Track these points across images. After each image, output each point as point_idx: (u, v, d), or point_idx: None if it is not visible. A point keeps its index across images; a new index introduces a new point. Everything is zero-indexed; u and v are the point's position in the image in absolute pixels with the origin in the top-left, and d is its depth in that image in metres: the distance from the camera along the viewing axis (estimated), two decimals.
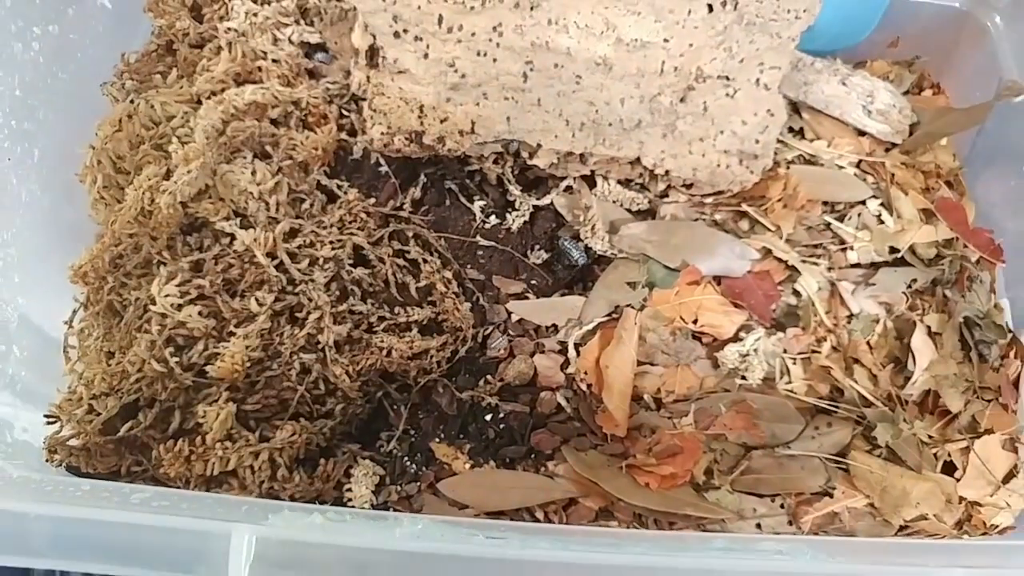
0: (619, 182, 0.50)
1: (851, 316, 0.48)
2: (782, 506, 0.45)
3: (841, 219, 0.50)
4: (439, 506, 0.44)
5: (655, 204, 0.50)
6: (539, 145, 0.47)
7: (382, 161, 0.49)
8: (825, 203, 0.51)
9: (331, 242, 0.45)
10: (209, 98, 0.48)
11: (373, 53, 0.45)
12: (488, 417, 0.46)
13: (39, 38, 0.45)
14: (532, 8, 0.44)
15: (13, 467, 0.39)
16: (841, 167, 0.52)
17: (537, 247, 0.50)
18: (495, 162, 0.49)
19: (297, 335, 0.43)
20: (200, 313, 0.43)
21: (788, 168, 0.51)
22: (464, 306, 0.46)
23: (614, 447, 0.45)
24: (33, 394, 0.44)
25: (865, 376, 0.47)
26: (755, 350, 0.47)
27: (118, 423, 0.43)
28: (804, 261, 0.49)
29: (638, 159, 0.48)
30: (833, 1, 0.51)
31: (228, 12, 0.50)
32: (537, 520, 0.44)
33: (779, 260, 0.49)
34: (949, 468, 0.45)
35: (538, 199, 0.50)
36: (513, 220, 0.49)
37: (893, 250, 0.49)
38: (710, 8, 0.45)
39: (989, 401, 0.47)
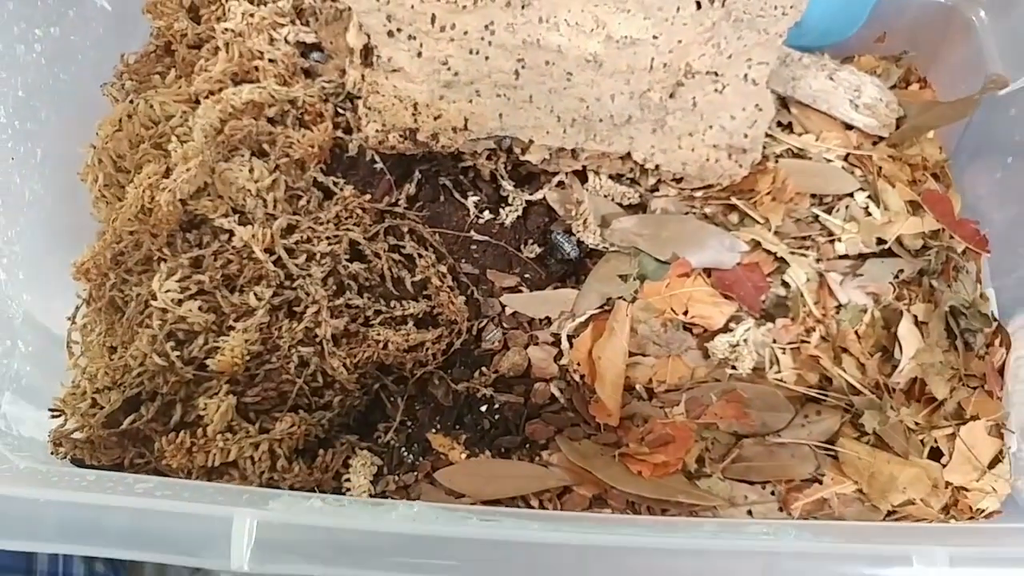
0: (610, 177, 0.51)
1: (839, 306, 0.49)
2: (772, 493, 0.46)
3: (829, 211, 0.51)
4: (436, 495, 0.44)
5: (646, 198, 0.51)
6: (531, 141, 0.48)
7: (377, 158, 0.49)
8: (813, 196, 0.51)
9: (328, 238, 0.46)
10: (207, 97, 0.48)
11: (367, 52, 0.46)
12: (483, 408, 0.47)
13: (41, 40, 0.45)
14: (523, 7, 0.44)
15: (20, 459, 0.39)
16: (829, 160, 0.52)
17: (530, 241, 0.50)
18: (488, 158, 0.50)
19: (295, 329, 0.44)
20: (200, 308, 0.44)
21: (777, 162, 0.52)
22: (459, 299, 0.47)
23: (607, 436, 0.46)
24: (37, 389, 0.45)
25: (853, 365, 0.48)
26: (745, 340, 0.48)
27: (121, 416, 0.43)
28: (793, 253, 0.49)
29: (629, 154, 0.49)
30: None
31: (225, 13, 0.51)
32: (532, 508, 0.45)
33: (768, 252, 0.49)
34: (935, 454, 0.46)
35: (531, 194, 0.51)
36: (506, 215, 0.50)
37: (880, 241, 0.50)
38: (698, 5, 0.45)
39: (974, 388, 0.47)
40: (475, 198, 0.50)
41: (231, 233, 0.45)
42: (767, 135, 0.51)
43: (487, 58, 0.45)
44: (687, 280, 0.48)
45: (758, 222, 0.50)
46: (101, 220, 0.48)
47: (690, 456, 0.45)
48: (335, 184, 0.48)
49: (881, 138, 0.54)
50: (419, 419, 0.47)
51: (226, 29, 0.50)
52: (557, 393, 0.47)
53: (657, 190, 0.51)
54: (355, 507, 0.36)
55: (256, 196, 0.46)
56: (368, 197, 0.48)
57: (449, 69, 0.45)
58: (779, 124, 0.54)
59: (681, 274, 0.48)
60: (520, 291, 0.49)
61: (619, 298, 0.48)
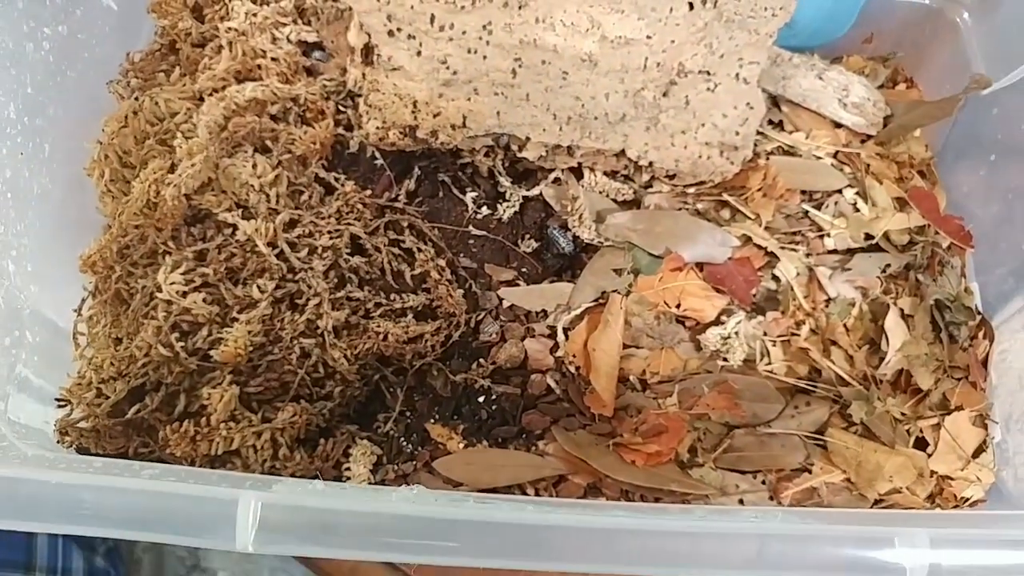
0: (605, 173, 0.52)
1: (828, 300, 0.50)
2: (763, 482, 0.47)
3: (818, 207, 0.52)
4: (434, 484, 0.45)
5: (640, 194, 0.52)
6: (528, 138, 0.49)
7: (378, 154, 0.50)
8: (803, 192, 0.52)
9: (329, 232, 0.47)
10: (211, 95, 0.49)
11: (368, 51, 0.47)
12: (481, 399, 0.48)
13: (49, 38, 0.46)
14: (520, 7, 0.45)
15: (27, 447, 0.40)
16: (818, 158, 0.54)
17: (527, 236, 0.51)
18: (486, 155, 0.51)
19: (297, 321, 0.45)
20: (204, 300, 0.44)
21: (767, 159, 0.53)
22: (457, 293, 0.48)
23: (601, 427, 0.46)
24: (45, 379, 0.45)
25: (842, 357, 0.49)
26: (736, 333, 0.49)
27: (126, 406, 0.44)
28: (783, 248, 0.51)
29: (623, 151, 0.50)
30: (812, 1, 0.53)
31: (228, 12, 0.52)
32: (528, 496, 0.45)
33: (759, 247, 0.50)
34: (921, 444, 0.47)
35: (528, 190, 0.52)
36: (504, 210, 0.51)
37: (868, 237, 0.51)
38: (691, 6, 0.47)
39: (959, 380, 0.49)
40: (473, 194, 0.51)
41: (235, 227, 0.46)
42: (758, 133, 0.52)
43: (485, 57, 0.46)
44: (680, 274, 0.49)
45: (749, 218, 0.51)
46: (107, 214, 0.49)
47: (683, 446, 0.46)
48: (336, 180, 0.49)
49: (869, 136, 0.55)
50: (418, 409, 0.47)
51: (229, 28, 0.51)
52: (553, 384, 0.48)
53: (651, 186, 0.52)
54: (356, 491, 0.37)
55: (259, 191, 0.47)
56: (369, 193, 0.49)
57: (448, 68, 0.46)
58: (770, 122, 0.55)
59: (674, 268, 0.50)
60: (517, 284, 0.50)
61: (613, 291, 0.49)
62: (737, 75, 0.49)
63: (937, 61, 0.57)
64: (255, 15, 0.51)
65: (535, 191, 0.52)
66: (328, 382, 0.46)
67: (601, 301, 0.49)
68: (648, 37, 0.46)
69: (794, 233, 0.52)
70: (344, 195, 0.48)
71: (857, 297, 0.50)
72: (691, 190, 0.52)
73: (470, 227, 0.51)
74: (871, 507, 0.46)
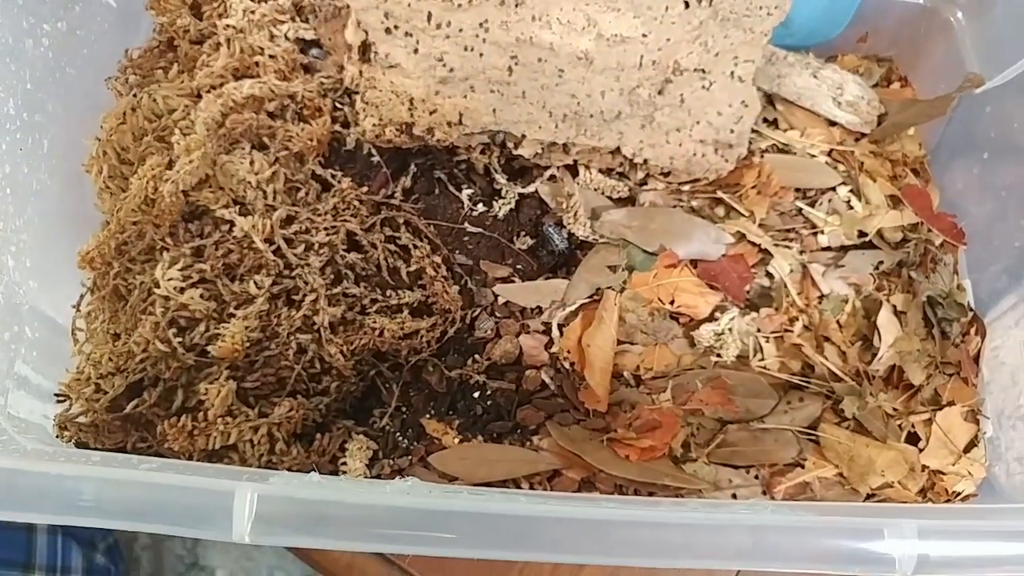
0: (600, 171, 0.52)
1: (822, 296, 0.50)
2: (756, 477, 0.47)
3: (812, 205, 0.53)
4: (429, 478, 0.45)
5: (635, 192, 0.53)
6: (524, 136, 0.49)
7: (374, 151, 0.51)
8: (797, 190, 0.53)
9: (326, 228, 0.47)
10: (209, 92, 0.50)
11: (365, 49, 0.47)
12: (476, 394, 0.48)
13: (48, 35, 0.46)
14: (517, 5, 0.46)
15: (27, 441, 0.41)
16: (813, 155, 0.54)
17: (522, 233, 0.52)
18: (482, 152, 0.51)
19: (294, 316, 0.45)
20: (202, 296, 0.45)
21: (762, 156, 0.53)
22: (453, 289, 0.49)
23: (596, 422, 0.47)
24: (44, 374, 0.46)
25: (835, 353, 0.49)
26: (730, 329, 0.49)
27: (124, 401, 0.45)
28: (777, 245, 0.51)
29: (618, 149, 0.50)
30: (808, 1, 0.54)
31: (227, 10, 0.52)
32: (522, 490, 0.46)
33: (753, 244, 0.51)
34: (913, 439, 0.48)
35: (523, 187, 0.52)
36: (499, 208, 0.52)
37: (862, 234, 0.51)
38: (686, 4, 0.47)
39: (951, 375, 0.49)
40: (469, 191, 0.52)
41: (232, 223, 0.47)
42: (753, 131, 0.53)
43: (481, 55, 0.47)
44: (674, 271, 0.50)
45: (743, 215, 0.52)
46: (105, 210, 0.49)
47: (676, 441, 0.46)
48: (333, 177, 0.49)
49: (863, 134, 0.56)
50: (413, 405, 0.48)
51: (227, 25, 0.51)
52: (548, 380, 0.48)
53: (646, 184, 0.53)
54: (351, 483, 0.37)
55: (256, 188, 0.47)
56: (365, 189, 0.50)
57: (444, 65, 0.47)
58: (765, 120, 0.55)
59: (668, 265, 0.50)
60: (512, 281, 0.51)
61: (608, 288, 0.49)
62: (732, 73, 0.50)
63: (931, 60, 0.57)
64: (253, 12, 0.52)
65: (531, 188, 0.52)
66: (324, 377, 0.46)
67: (596, 297, 0.49)
68: (644, 35, 0.47)
69: (788, 230, 0.52)
70: (341, 192, 0.49)
71: (850, 294, 0.50)
72: (686, 187, 0.53)
73: (466, 224, 0.51)
74: (863, 501, 0.46)
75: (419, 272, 0.49)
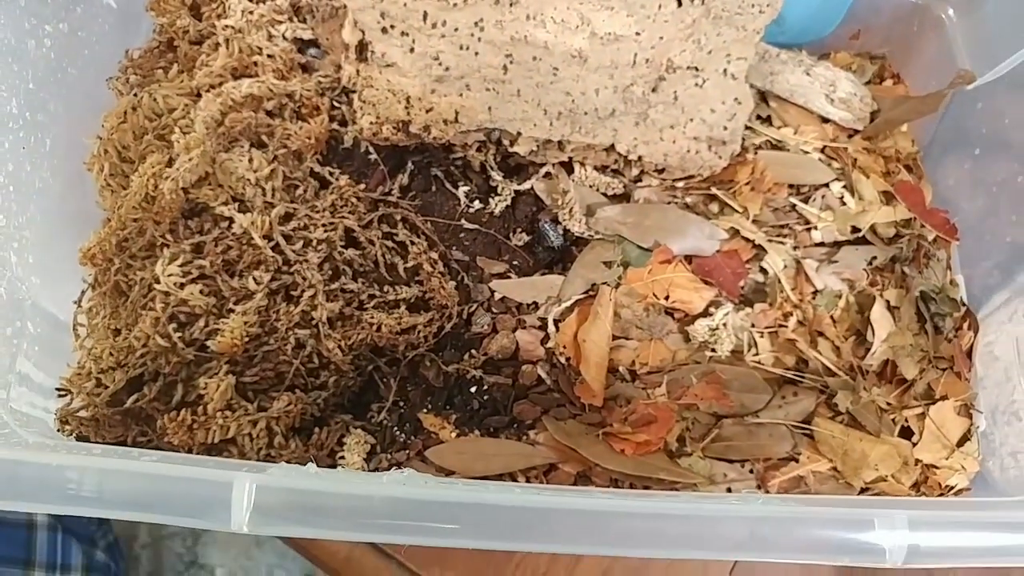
0: (595, 168, 0.53)
1: (815, 292, 0.51)
2: (751, 471, 0.47)
3: (806, 201, 0.53)
4: (427, 472, 0.46)
5: (629, 188, 0.53)
6: (519, 133, 0.50)
7: (371, 149, 0.51)
8: (791, 186, 0.53)
9: (324, 225, 0.48)
10: (208, 91, 0.50)
11: (362, 48, 0.48)
12: (473, 389, 0.48)
13: (50, 35, 0.47)
14: (511, 4, 0.46)
15: (29, 434, 0.41)
16: (806, 152, 0.54)
17: (519, 230, 0.52)
18: (478, 150, 0.52)
19: (292, 312, 0.46)
20: (201, 292, 0.45)
21: (756, 153, 0.54)
22: (450, 285, 0.49)
23: (591, 416, 0.47)
24: (46, 369, 0.46)
25: (828, 348, 0.50)
26: (724, 324, 0.49)
27: (125, 395, 0.45)
28: (771, 240, 0.51)
29: (613, 146, 0.51)
30: None
31: (226, 10, 0.53)
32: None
33: (747, 240, 0.51)
34: (906, 433, 0.48)
35: (519, 184, 0.52)
36: (496, 204, 0.52)
37: (855, 229, 0.52)
38: (679, 3, 0.47)
39: (944, 370, 0.49)
40: (465, 188, 0.52)
41: (231, 220, 0.47)
42: (746, 127, 0.53)
43: (477, 54, 0.47)
44: (669, 267, 0.50)
45: (737, 211, 0.52)
46: (106, 208, 0.50)
47: (671, 435, 0.47)
48: (331, 174, 0.50)
49: (856, 131, 0.56)
50: (411, 399, 0.48)
51: (226, 26, 0.52)
52: (544, 375, 0.49)
53: (640, 180, 0.53)
54: (348, 474, 0.37)
55: (255, 185, 0.48)
56: (363, 186, 0.50)
57: (440, 64, 0.47)
58: (758, 117, 0.56)
59: (663, 261, 0.50)
60: (509, 277, 0.51)
61: (603, 284, 0.50)
62: (725, 71, 0.50)
63: (923, 57, 0.57)
64: (251, 13, 0.52)
65: (526, 185, 0.52)
66: (323, 372, 0.47)
67: (591, 293, 0.50)
68: (637, 33, 0.47)
69: (782, 226, 0.52)
70: (338, 189, 0.49)
71: (844, 289, 0.51)
72: (680, 184, 0.53)
73: (462, 221, 0.51)
74: (857, 495, 0.47)
75: (416, 268, 0.49)
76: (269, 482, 0.33)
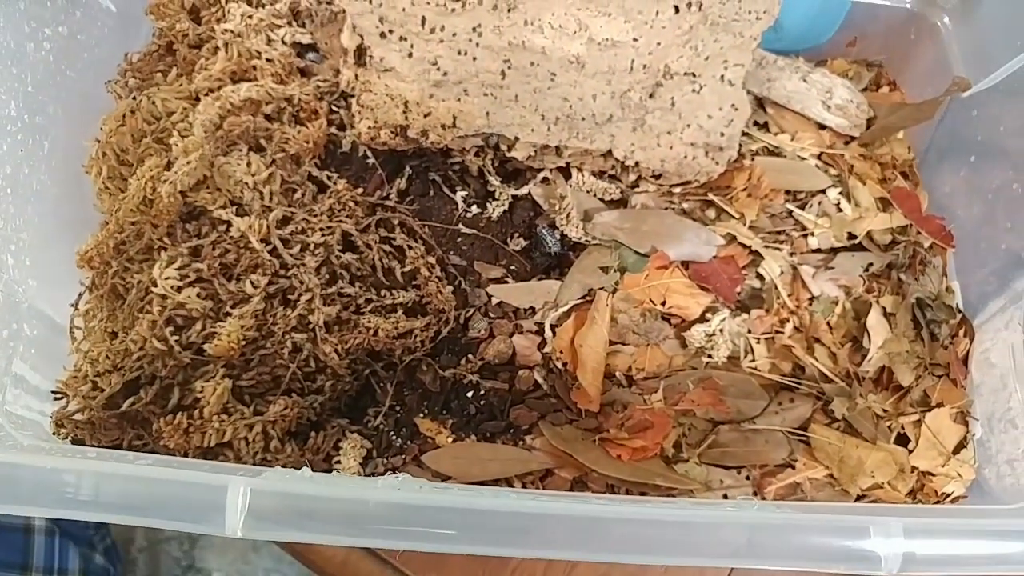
0: (593, 173, 0.53)
1: (812, 298, 0.51)
2: (747, 477, 0.47)
3: (802, 207, 0.53)
4: (423, 477, 0.46)
5: (627, 194, 0.53)
6: (517, 139, 0.50)
7: (369, 154, 0.51)
8: (787, 192, 0.53)
9: (321, 229, 0.48)
10: (207, 95, 0.50)
11: (361, 53, 0.48)
12: (469, 394, 0.48)
13: (49, 38, 0.47)
14: (509, 10, 0.47)
15: (24, 437, 0.41)
16: (803, 158, 0.55)
17: (516, 235, 0.52)
18: (476, 155, 0.52)
19: (289, 316, 0.46)
20: (198, 295, 0.45)
21: (753, 159, 0.54)
22: (447, 289, 0.49)
23: (588, 422, 0.47)
24: (41, 372, 0.46)
25: (825, 354, 0.50)
26: (721, 330, 0.49)
27: (121, 399, 0.45)
28: (767, 246, 0.52)
29: (610, 152, 0.51)
30: (798, 6, 0.54)
31: (225, 15, 0.53)
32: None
33: (743, 246, 0.51)
34: (902, 440, 0.48)
35: (517, 189, 0.52)
36: (493, 209, 0.52)
37: (851, 236, 0.52)
38: (676, 9, 0.48)
39: (940, 377, 0.49)
40: (463, 193, 0.52)
41: (229, 224, 0.47)
42: (744, 134, 0.53)
43: (475, 59, 0.47)
44: (665, 272, 0.50)
45: (734, 217, 0.52)
46: (104, 211, 0.50)
47: (668, 441, 0.47)
48: (329, 178, 0.50)
49: (852, 138, 0.56)
50: (407, 404, 0.48)
51: (225, 30, 0.52)
52: (540, 380, 0.49)
53: (637, 186, 0.53)
54: (343, 479, 0.37)
55: (253, 189, 0.48)
56: (360, 191, 0.50)
57: (438, 69, 0.47)
58: (756, 124, 0.56)
59: (660, 266, 0.50)
60: (506, 282, 0.51)
61: (600, 289, 0.50)
62: (722, 77, 0.50)
63: (919, 64, 0.58)
64: (251, 17, 0.52)
65: (524, 190, 0.52)
66: (319, 376, 0.47)
67: (588, 298, 0.50)
68: (634, 39, 0.48)
69: (778, 232, 0.52)
70: (336, 193, 0.49)
71: (840, 295, 0.51)
72: (677, 190, 0.53)
73: (460, 225, 0.52)
74: (853, 502, 0.47)
75: (413, 272, 0.49)
76: (264, 486, 0.33)
